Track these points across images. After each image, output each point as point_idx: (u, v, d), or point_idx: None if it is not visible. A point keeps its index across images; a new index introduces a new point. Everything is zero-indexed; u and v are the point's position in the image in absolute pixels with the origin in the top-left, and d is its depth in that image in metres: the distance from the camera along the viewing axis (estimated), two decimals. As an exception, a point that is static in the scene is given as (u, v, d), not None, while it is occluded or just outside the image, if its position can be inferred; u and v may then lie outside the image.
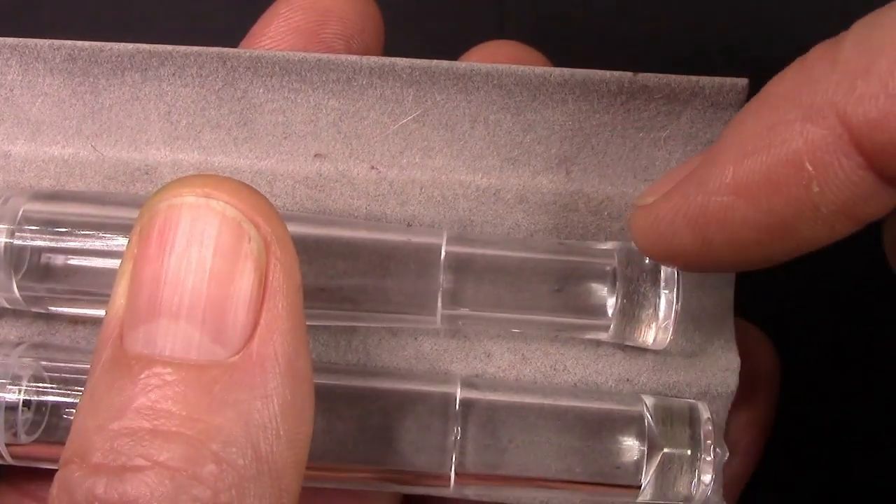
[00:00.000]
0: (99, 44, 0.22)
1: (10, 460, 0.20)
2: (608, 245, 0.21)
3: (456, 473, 0.20)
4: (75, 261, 0.20)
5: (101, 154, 0.23)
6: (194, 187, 0.16)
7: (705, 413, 0.20)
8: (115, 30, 0.30)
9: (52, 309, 0.21)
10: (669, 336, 0.20)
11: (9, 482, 0.22)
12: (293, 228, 0.17)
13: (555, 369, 0.22)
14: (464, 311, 0.21)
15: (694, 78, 0.21)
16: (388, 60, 0.22)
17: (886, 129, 0.15)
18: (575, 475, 0.20)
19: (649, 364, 0.22)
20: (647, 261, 0.20)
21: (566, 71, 0.22)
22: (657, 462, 0.20)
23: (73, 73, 0.22)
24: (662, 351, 0.21)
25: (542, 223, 0.22)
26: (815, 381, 0.29)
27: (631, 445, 0.20)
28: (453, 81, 0.22)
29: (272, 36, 0.23)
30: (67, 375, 0.20)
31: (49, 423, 0.20)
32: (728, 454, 0.20)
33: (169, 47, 0.22)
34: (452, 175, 0.22)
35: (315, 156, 0.23)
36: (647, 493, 0.20)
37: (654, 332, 0.20)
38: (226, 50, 0.22)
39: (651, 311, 0.20)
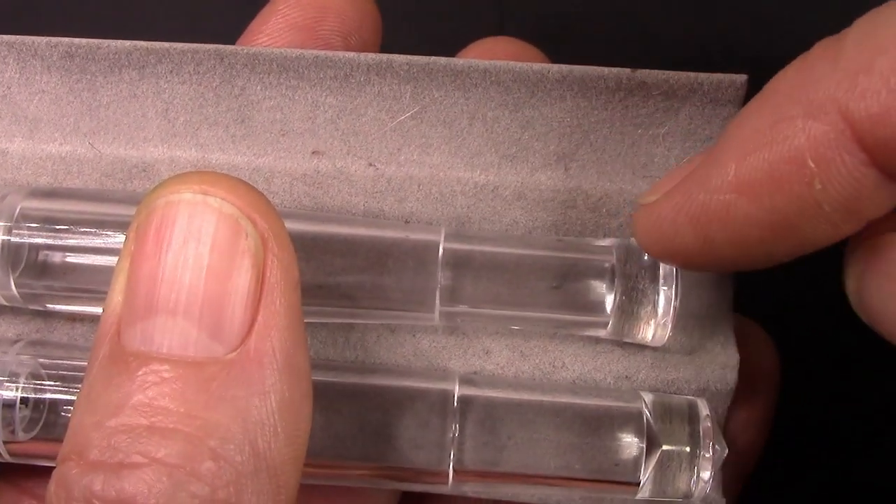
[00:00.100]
0: (96, 41, 0.22)
1: (7, 458, 0.20)
2: (607, 242, 0.21)
3: (454, 470, 0.20)
4: (73, 258, 0.20)
5: (99, 151, 0.23)
6: (191, 184, 0.16)
7: (704, 410, 0.20)
8: (114, 28, 0.30)
9: (50, 306, 0.21)
10: (668, 333, 0.20)
11: (6, 479, 0.22)
12: (291, 225, 0.17)
13: (553, 366, 0.22)
14: (462, 307, 0.20)
15: (692, 74, 0.21)
16: (385, 57, 0.22)
17: (889, 124, 0.15)
18: (574, 472, 0.20)
19: (648, 361, 0.22)
20: (645, 257, 0.20)
21: (564, 67, 0.22)
22: (656, 459, 0.20)
23: (71, 70, 0.22)
24: (661, 348, 0.21)
25: (541, 220, 0.22)
26: (815, 381, 0.29)
27: (630, 442, 0.20)
28: (451, 78, 0.22)
29: (270, 33, 0.23)
30: (65, 373, 0.20)
31: (47, 420, 0.20)
32: (727, 451, 0.20)
33: (166, 44, 0.22)
34: (450, 172, 0.22)
35: (313, 153, 0.23)
36: (646, 489, 0.20)
37: (653, 328, 0.20)
38: (223, 47, 0.22)
39: (650, 307, 0.20)
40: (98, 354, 0.16)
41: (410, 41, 0.23)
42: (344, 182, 0.22)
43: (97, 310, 0.20)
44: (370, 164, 0.22)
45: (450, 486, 0.20)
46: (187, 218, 0.16)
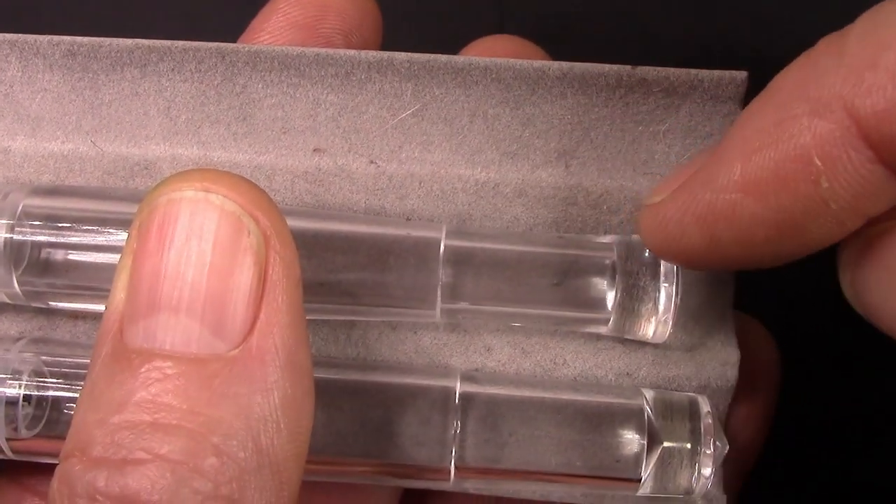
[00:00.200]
0: (98, 39, 0.22)
1: (10, 455, 0.20)
2: (607, 239, 0.21)
3: (456, 467, 0.20)
4: (75, 256, 0.20)
5: (101, 149, 0.23)
6: (193, 182, 0.16)
7: (705, 407, 0.20)
8: (116, 27, 0.30)
9: (53, 304, 0.21)
10: (669, 330, 0.20)
11: (9, 477, 0.22)
12: (292, 223, 0.17)
13: (554, 363, 0.22)
14: (463, 304, 0.21)
15: (693, 71, 0.21)
16: (386, 55, 0.22)
17: (895, 120, 0.15)
18: (575, 469, 0.20)
19: (649, 358, 0.22)
20: (646, 254, 0.20)
21: (565, 65, 0.22)
22: (657, 456, 0.20)
23: (73, 68, 0.22)
24: (662, 345, 0.21)
25: (542, 217, 0.22)
26: (815, 379, 0.29)
27: (631, 439, 0.20)
28: (452, 76, 0.22)
29: (271, 31, 0.23)
30: (68, 370, 0.20)
31: (49, 417, 0.20)
32: (728, 448, 0.20)
33: (168, 42, 0.22)
34: (451, 169, 0.22)
35: (314, 150, 0.23)
36: (647, 486, 0.20)
37: (654, 325, 0.20)
38: (224, 45, 0.22)
39: (651, 304, 0.20)
40: (101, 352, 0.16)
41: (410, 41, 0.23)
42: (345, 179, 0.22)
43: (99, 307, 0.20)
44: (371, 162, 0.22)
45: (451, 482, 0.20)
46: (189, 215, 0.16)
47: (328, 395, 0.20)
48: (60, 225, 0.20)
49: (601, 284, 0.20)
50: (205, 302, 0.16)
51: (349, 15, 0.24)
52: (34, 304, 0.21)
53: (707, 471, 0.20)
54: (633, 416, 0.20)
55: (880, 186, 0.16)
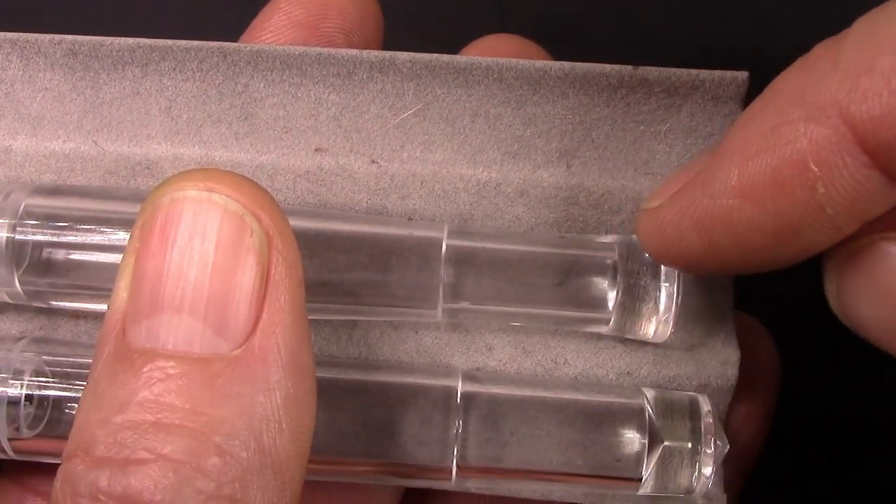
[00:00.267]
0: (99, 38, 0.22)
1: (12, 455, 0.20)
2: (609, 238, 0.21)
3: (457, 467, 0.20)
4: (77, 255, 0.20)
5: (102, 149, 0.23)
6: (196, 181, 0.16)
7: (706, 406, 0.20)
8: (117, 26, 0.30)
9: (54, 304, 0.21)
10: (670, 329, 0.20)
11: (11, 477, 0.23)
12: (294, 222, 0.17)
13: (556, 362, 0.22)
14: (465, 304, 0.21)
15: (694, 71, 0.21)
16: (388, 54, 0.22)
17: (891, 125, 0.15)
18: (576, 468, 0.20)
19: (650, 357, 0.22)
20: (647, 254, 0.20)
21: (566, 64, 0.22)
22: (658, 455, 0.20)
23: (74, 67, 0.22)
24: (663, 344, 0.21)
25: (543, 217, 0.22)
26: (815, 380, 0.29)
27: (632, 438, 0.20)
28: (454, 75, 0.22)
29: (272, 30, 0.23)
30: (69, 370, 0.20)
31: (51, 417, 0.20)
32: (728, 447, 0.20)
33: (169, 42, 0.22)
34: (453, 169, 0.22)
35: (316, 150, 0.23)
36: (647, 485, 0.20)
37: (655, 325, 0.20)
38: (226, 44, 0.22)
39: (651, 304, 0.20)
40: (103, 351, 0.16)
41: (411, 40, 0.23)
42: (347, 179, 0.22)
43: (101, 307, 0.20)
44: (373, 162, 0.22)
45: (453, 482, 0.20)
46: (192, 215, 0.16)
47: (330, 395, 0.20)
48: (62, 224, 0.20)
49: (602, 284, 0.20)
50: (207, 302, 0.16)
51: (350, 14, 0.24)
52: (36, 304, 0.21)
53: (708, 470, 0.20)
54: (633, 416, 0.20)
55: (876, 191, 0.16)
